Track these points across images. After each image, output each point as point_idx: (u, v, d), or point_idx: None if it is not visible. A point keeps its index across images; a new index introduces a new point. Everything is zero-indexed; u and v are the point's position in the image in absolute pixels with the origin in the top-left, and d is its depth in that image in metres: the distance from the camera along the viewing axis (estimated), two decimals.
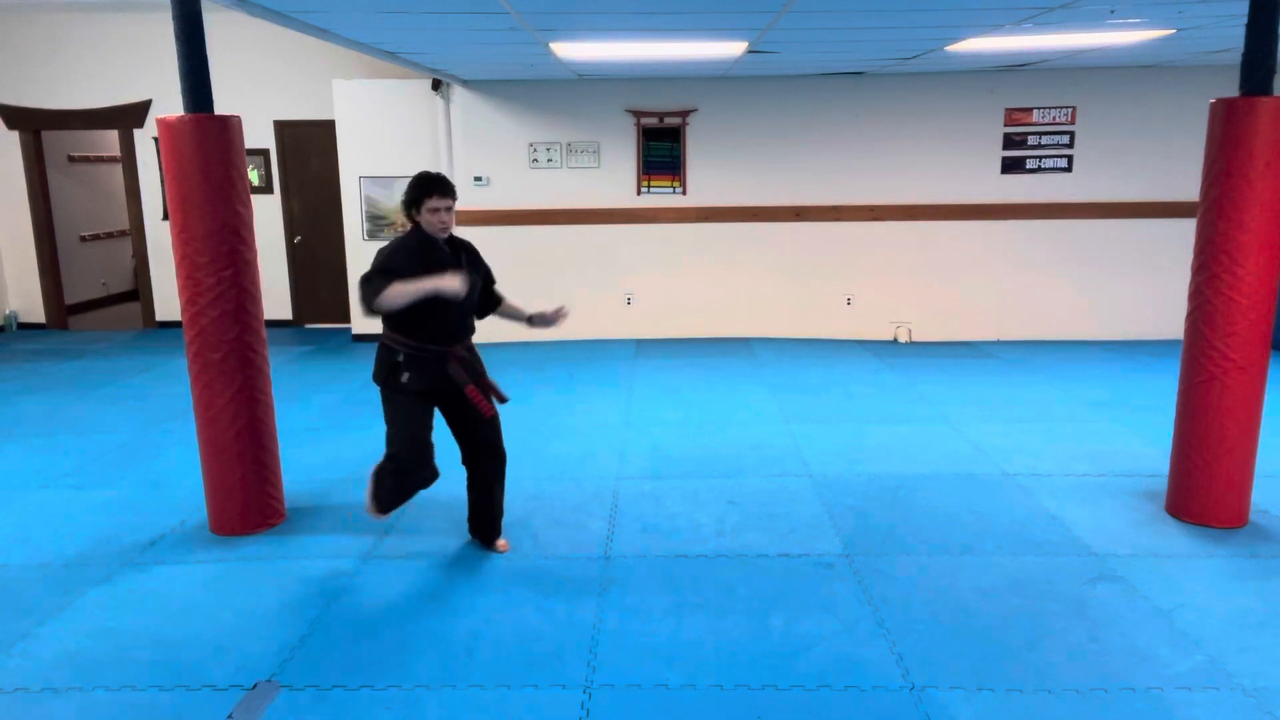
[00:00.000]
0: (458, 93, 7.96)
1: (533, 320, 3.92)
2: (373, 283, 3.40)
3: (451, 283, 3.37)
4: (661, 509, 4.39)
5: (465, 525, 4.02)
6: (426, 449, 3.67)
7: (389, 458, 3.67)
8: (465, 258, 3.71)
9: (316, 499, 4.53)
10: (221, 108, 4.01)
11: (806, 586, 3.61)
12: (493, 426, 3.80)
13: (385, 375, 3.61)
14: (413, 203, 3.54)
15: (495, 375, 3.82)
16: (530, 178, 8.07)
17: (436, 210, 3.51)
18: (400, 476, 3.67)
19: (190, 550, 3.97)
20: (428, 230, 3.56)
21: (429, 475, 3.73)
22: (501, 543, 3.96)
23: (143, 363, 7.61)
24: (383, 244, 3.64)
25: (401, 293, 3.36)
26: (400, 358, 3.57)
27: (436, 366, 3.59)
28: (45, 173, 8.99)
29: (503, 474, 3.90)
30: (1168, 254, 7.86)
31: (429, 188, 3.51)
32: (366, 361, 7.40)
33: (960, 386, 6.58)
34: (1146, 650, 3.12)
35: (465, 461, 3.87)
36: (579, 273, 8.22)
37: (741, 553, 3.91)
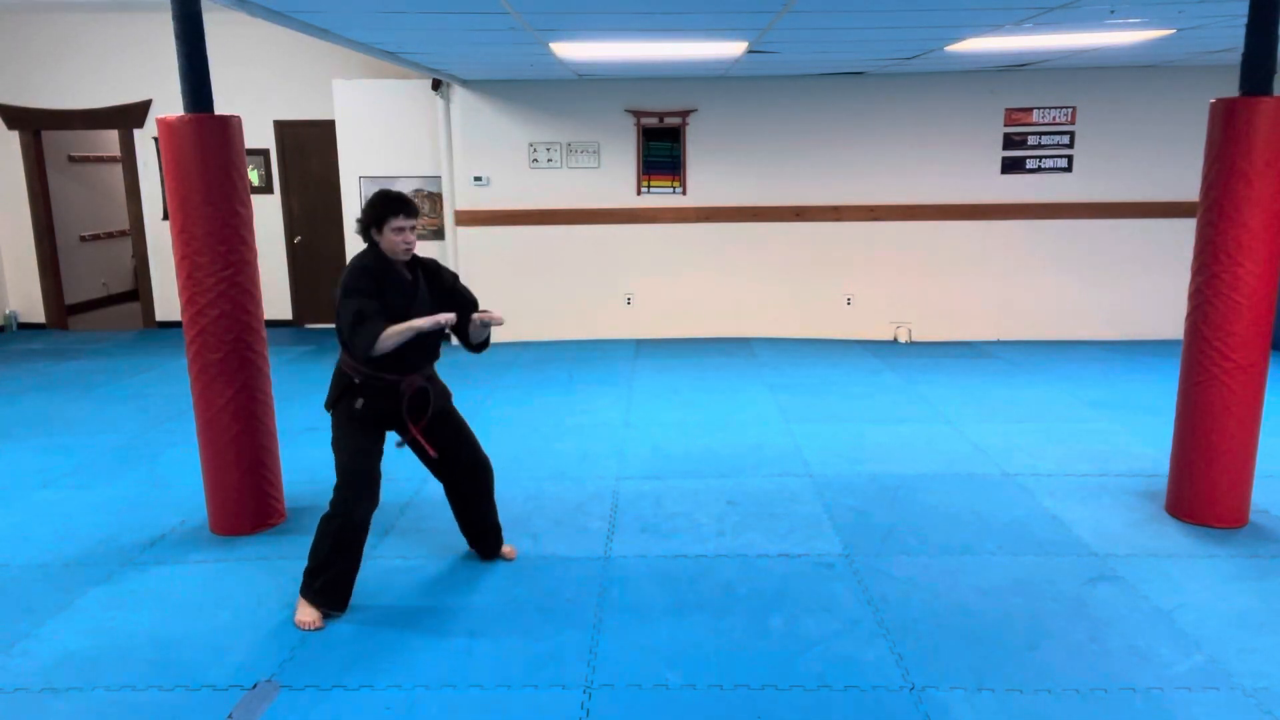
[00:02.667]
0: (458, 93, 7.96)
1: (472, 326, 3.48)
2: (366, 324, 3.19)
3: (435, 320, 3.23)
4: (661, 509, 4.39)
5: None
6: (374, 477, 3.40)
7: (333, 501, 3.35)
8: (424, 278, 3.47)
9: (316, 499, 4.52)
10: (221, 108, 4.01)
11: (806, 586, 3.60)
12: (469, 440, 3.66)
13: (336, 399, 3.40)
14: (373, 222, 3.30)
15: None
16: (530, 178, 8.07)
17: (401, 230, 3.28)
18: (346, 511, 3.32)
19: (190, 550, 3.97)
20: (387, 252, 3.33)
21: (370, 508, 3.38)
22: (508, 549, 3.87)
23: (143, 363, 7.61)
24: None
25: (394, 333, 3.20)
26: (357, 380, 3.36)
27: (392, 395, 3.39)
28: (45, 173, 8.99)
29: (491, 486, 3.75)
30: (1168, 254, 7.86)
31: (393, 206, 3.28)
32: None
33: (960, 386, 6.58)
34: (1146, 650, 3.12)
35: (446, 480, 3.72)
36: (579, 273, 8.22)
37: (741, 553, 3.91)
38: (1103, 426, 5.61)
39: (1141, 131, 7.79)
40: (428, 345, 3.46)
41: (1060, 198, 7.94)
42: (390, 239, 3.30)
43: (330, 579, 3.35)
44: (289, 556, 3.88)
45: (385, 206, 3.29)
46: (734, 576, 3.69)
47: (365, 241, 3.38)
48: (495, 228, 8.06)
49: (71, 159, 9.65)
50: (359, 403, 3.36)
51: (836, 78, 7.79)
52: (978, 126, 7.88)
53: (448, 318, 3.26)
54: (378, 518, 4.25)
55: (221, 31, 6.83)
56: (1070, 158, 7.89)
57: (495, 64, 6.66)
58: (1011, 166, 7.94)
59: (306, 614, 3.34)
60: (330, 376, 3.48)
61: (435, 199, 8.19)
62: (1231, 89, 3.95)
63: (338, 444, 3.40)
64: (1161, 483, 4.47)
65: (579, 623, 3.34)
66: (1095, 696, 2.86)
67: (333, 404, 3.42)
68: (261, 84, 8.52)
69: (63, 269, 9.30)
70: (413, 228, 3.33)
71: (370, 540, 4.02)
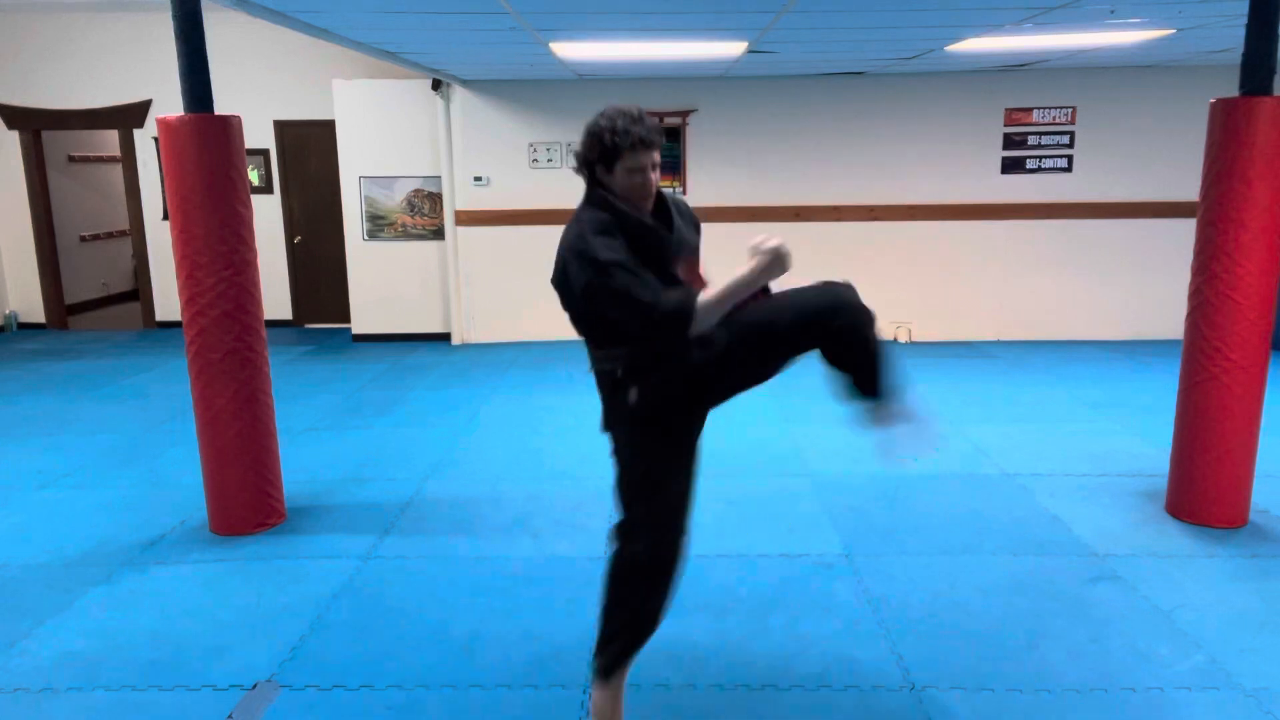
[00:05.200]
0: (458, 93, 7.96)
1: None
2: (670, 292, 2.30)
3: (771, 260, 2.37)
4: None
5: (465, 524, 3.99)
6: (686, 526, 2.53)
7: (633, 550, 2.50)
8: (678, 219, 2.48)
9: (316, 499, 4.53)
10: (221, 108, 4.01)
11: (806, 586, 3.60)
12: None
13: (611, 408, 2.47)
14: (598, 160, 2.34)
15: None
16: (530, 178, 8.06)
17: (633, 171, 2.31)
18: (655, 574, 2.49)
19: (190, 550, 3.97)
20: (622, 196, 2.35)
21: (680, 567, 2.54)
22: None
23: (143, 363, 7.61)
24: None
25: (718, 298, 2.38)
26: (619, 373, 2.41)
27: (673, 365, 2.37)
28: (45, 173, 9.00)
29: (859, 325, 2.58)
30: (1168, 254, 7.85)
31: (626, 138, 2.27)
32: (366, 361, 7.46)
33: (960, 386, 6.58)
34: (1146, 650, 3.12)
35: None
36: None
37: (741, 553, 3.91)
38: (1103, 426, 5.61)
39: (1141, 131, 7.79)
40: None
41: (1060, 198, 7.93)
42: (623, 182, 2.34)
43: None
44: (289, 556, 3.88)
45: (616, 139, 2.29)
46: (734, 576, 3.69)
47: (587, 183, 2.41)
48: (495, 228, 8.05)
49: (71, 159, 9.65)
50: (633, 395, 2.41)
51: (836, 78, 7.79)
52: (978, 126, 7.87)
53: (779, 265, 2.44)
54: (378, 517, 4.28)
55: (221, 31, 6.83)
56: (1070, 158, 7.89)
57: (495, 64, 6.66)
58: (1011, 166, 7.93)
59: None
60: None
61: (435, 199, 8.19)
62: (1231, 89, 3.95)
63: (638, 476, 2.56)
64: (1161, 483, 4.47)
65: (579, 622, 3.33)
66: (1095, 696, 2.86)
67: (618, 417, 2.50)
68: (261, 84, 8.51)
69: (63, 269, 9.30)
70: (655, 164, 2.34)
71: (371, 540, 4.04)
